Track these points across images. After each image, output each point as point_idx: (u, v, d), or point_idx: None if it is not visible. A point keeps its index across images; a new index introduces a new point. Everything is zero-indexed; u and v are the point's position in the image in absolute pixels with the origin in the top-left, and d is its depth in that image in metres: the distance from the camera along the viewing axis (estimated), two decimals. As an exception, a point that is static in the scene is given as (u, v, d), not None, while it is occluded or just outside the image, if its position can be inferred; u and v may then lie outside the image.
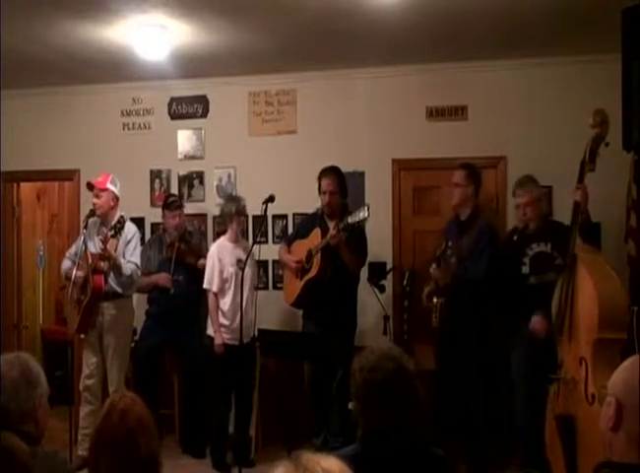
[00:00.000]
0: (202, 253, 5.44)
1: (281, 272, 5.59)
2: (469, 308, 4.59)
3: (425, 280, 4.85)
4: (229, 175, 6.00)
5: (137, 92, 6.15)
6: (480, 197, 5.00)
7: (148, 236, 5.99)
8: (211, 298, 5.05)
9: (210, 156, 6.04)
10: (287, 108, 5.88)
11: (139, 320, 5.51)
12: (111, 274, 4.94)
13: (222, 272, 5.04)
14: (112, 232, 4.77)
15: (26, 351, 2.96)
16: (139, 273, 5.13)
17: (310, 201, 5.30)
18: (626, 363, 1.74)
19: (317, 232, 5.07)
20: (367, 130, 5.70)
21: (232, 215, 5.09)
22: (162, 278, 5.43)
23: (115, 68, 5.56)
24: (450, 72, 5.50)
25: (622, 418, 1.66)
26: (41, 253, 6.95)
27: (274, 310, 5.63)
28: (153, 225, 6.06)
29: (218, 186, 6.03)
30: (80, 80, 5.94)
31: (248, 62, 5.48)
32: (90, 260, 4.87)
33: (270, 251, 5.66)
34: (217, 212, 5.74)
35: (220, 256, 5.06)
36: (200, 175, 6.06)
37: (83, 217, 5.26)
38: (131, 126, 6.21)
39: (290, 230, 5.71)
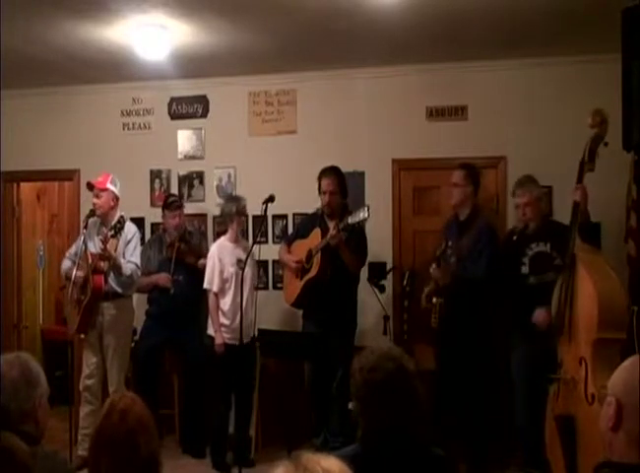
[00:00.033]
0: (202, 253, 5.44)
1: (281, 272, 5.59)
2: (468, 308, 4.59)
3: (425, 280, 4.85)
4: (229, 175, 6.00)
5: (137, 92, 6.15)
6: (479, 197, 5.00)
7: (148, 236, 5.99)
8: (211, 298, 5.05)
9: (210, 156, 6.04)
10: (287, 108, 5.88)
11: (139, 320, 5.51)
12: (111, 274, 4.94)
13: (222, 272, 5.04)
14: (112, 232, 4.77)
15: (26, 351, 2.96)
16: (139, 273, 5.13)
17: (310, 201, 5.30)
18: (626, 363, 1.74)
19: (317, 232, 5.07)
20: (367, 130, 5.70)
21: (233, 215, 5.09)
22: (162, 278, 5.43)
23: (115, 68, 5.56)
24: (450, 72, 5.50)
25: (622, 418, 1.66)
26: (41, 253, 6.95)
27: (274, 310, 5.63)
28: (153, 225, 6.06)
29: (218, 186, 6.03)
30: (80, 80, 5.94)
31: (248, 62, 5.48)
32: (90, 260, 4.87)
33: (270, 251, 5.66)
34: (217, 212, 5.74)
35: (220, 256, 5.06)
36: (200, 175, 6.06)
37: (83, 217, 5.25)
38: (131, 126, 6.21)
39: (290, 230, 5.71)
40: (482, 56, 5.31)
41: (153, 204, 6.10)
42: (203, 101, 6.06)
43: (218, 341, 4.98)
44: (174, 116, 6.12)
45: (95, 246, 4.93)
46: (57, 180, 7.04)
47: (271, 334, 5.18)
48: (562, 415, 3.72)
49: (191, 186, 6.09)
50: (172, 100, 6.12)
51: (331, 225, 5.00)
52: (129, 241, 5.06)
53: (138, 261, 5.09)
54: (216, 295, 5.04)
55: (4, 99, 6.11)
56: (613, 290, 3.65)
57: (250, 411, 5.25)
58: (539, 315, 4.32)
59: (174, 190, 6.06)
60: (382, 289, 5.18)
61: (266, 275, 5.85)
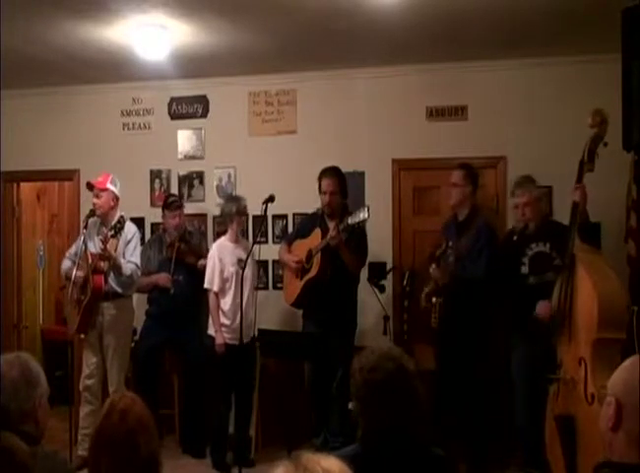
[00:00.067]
0: (202, 253, 5.44)
1: (281, 272, 5.59)
2: (467, 308, 4.59)
3: (425, 280, 4.85)
4: (229, 175, 6.00)
5: (137, 92, 6.15)
6: (479, 197, 5.00)
7: (148, 236, 5.99)
8: (211, 297, 5.05)
9: (210, 156, 6.04)
10: (287, 108, 5.88)
11: (139, 320, 5.51)
12: (111, 274, 4.94)
13: (222, 272, 5.04)
14: (112, 232, 4.77)
15: (26, 351, 2.96)
16: (139, 273, 5.13)
17: (310, 201, 5.30)
18: (626, 363, 1.74)
19: (317, 232, 5.07)
20: (367, 130, 5.70)
21: (233, 215, 5.09)
22: (162, 278, 5.43)
23: (115, 68, 5.56)
24: (450, 72, 5.50)
25: (622, 418, 1.66)
26: (41, 253, 6.95)
27: (274, 310, 5.63)
28: (153, 225, 6.06)
29: (218, 186, 6.03)
30: (80, 80, 5.94)
31: (248, 62, 5.48)
32: (90, 260, 4.87)
33: (270, 251, 5.66)
34: (217, 212, 5.74)
35: (220, 256, 5.06)
36: (200, 175, 6.06)
37: (83, 217, 5.26)
38: (131, 126, 6.21)
39: (290, 230, 5.71)
40: (482, 56, 5.31)
41: (153, 204, 6.10)
42: (203, 101, 6.06)
43: (218, 341, 4.98)
44: (174, 116, 6.12)
45: (95, 246, 4.93)
46: (57, 180, 7.04)
47: (271, 334, 5.18)
48: (562, 415, 3.71)
49: (191, 186, 6.09)
50: (172, 100, 6.12)
51: (331, 225, 5.00)
52: (129, 241, 5.06)
53: (138, 261, 5.09)
54: (216, 294, 5.04)
55: (4, 99, 6.11)
56: (613, 290, 3.65)
57: (250, 411, 5.25)
58: (541, 308, 4.28)
59: (174, 190, 6.06)
60: (382, 289, 5.18)
61: (266, 275, 5.85)
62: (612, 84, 3.97)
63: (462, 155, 5.24)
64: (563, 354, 3.82)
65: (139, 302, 5.54)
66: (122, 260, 4.96)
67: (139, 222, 5.75)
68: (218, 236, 5.53)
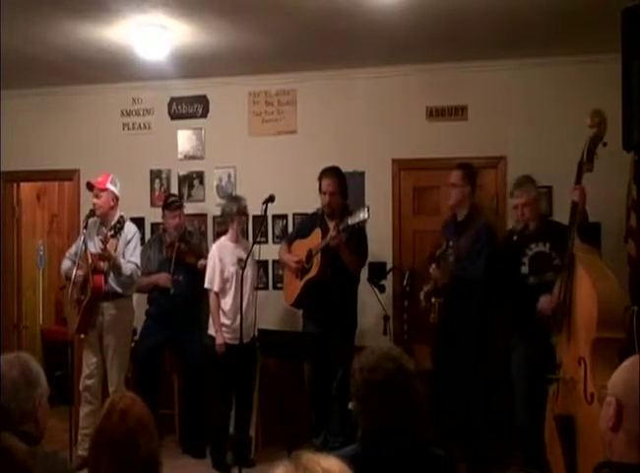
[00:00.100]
0: (202, 253, 5.45)
1: (281, 272, 5.59)
2: (467, 308, 4.59)
3: (425, 280, 4.84)
4: (229, 175, 6.00)
5: (137, 92, 6.15)
6: (479, 197, 4.99)
7: (148, 236, 5.99)
8: (212, 297, 5.05)
9: (210, 156, 6.04)
10: (287, 108, 5.88)
11: (139, 320, 5.51)
12: (111, 274, 4.94)
13: (222, 272, 5.04)
14: (112, 232, 4.77)
15: (26, 351, 2.96)
16: (139, 273, 5.13)
17: (310, 201, 5.30)
18: (626, 363, 1.74)
19: (317, 232, 5.07)
20: (367, 130, 5.70)
21: (234, 215, 5.10)
22: (162, 278, 5.43)
23: (115, 68, 5.56)
24: (450, 72, 5.50)
25: (622, 418, 1.66)
26: (41, 253, 6.95)
27: (274, 310, 5.63)
28: (153, 225, 6.06)
29: (218, 186, 6.03)
30: (80, 80, 5.94)
31: (248, 62, 5.48)
32: (90, 260, 4.87)
33: (270, 251, 5.66)
34: (217, 212, 5.75)
35: (220, 256, 5.06)
36: (200, 175, 6.06)
37: (83, 217, 5.26)
38: (131, 126, 6.21)
39: (290, 230, 5.71)
40: (482, 56, 5.31)
41: (153, 204, 6.10)
42: (203, 101, 6.06)
43: (219, 341, 4.98)
44: (174, 116, 6.12)
45: (95, 246, 4.93)
46: (57, 180, 7.04)
47: (271, 334, 5.19)
48: (562, 415, 3.71)
49: (191, 186, 6.09)
50: (172, 100, 6.12)
51: (331, 225, 5.00)
52: (129, 241, 5.06)
53: (138, 261, 5.10)
54: (217, 294, 5.05)
55: (4, 99, 6.11)
56: (612, 290, 3.65)
57: (250, 411, 5.25)
58: (544, 302, 4.24)
59: (174, 190, 6.06)
60: (382, 289, 5.18)
61: (266, 275, 5.85)
62: (612, 84, 3.98)
63: (462, 155, 5.24)
64: (563, 354, 3.82)
65: (139, 302, 5.54)
66: (122, 260, 4.96)
67: (139, 222, 5.75)
68: (218, 236, 5.53)
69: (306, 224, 5.30)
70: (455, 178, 4.86)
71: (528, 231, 4.60)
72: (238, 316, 4.88)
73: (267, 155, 5.88)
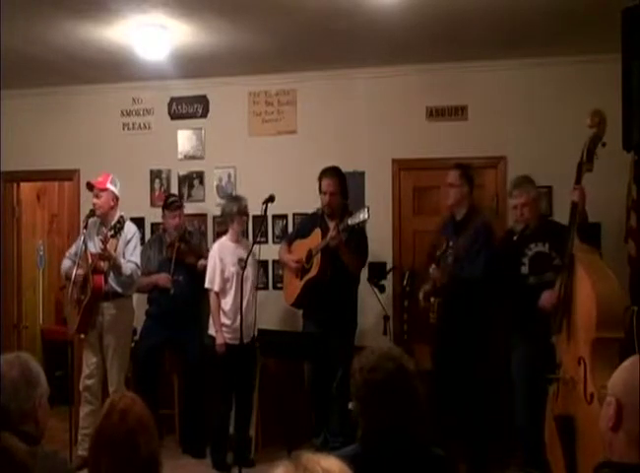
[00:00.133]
0: (202, 253, 5.45)
1: (281, 272, 5.59)
2: (466, 309, 4.58)
3: (425, 280, 4.84)
4: (229, 175, 6.00)
5: (137, 92, 6.15)
6: (479, 197, 4.99)
7: (148, 236, 5.99)
8: (212, 297, 5.06)
9: (210, 156, 6.04)
10: (287, 108, 5.88)
11: (139, 320, 5.51)
12: (111, 274, 4.94)
13: (223, 272, 5.04)
14: (112, 232, 4.77)
15: (26, 351, 2.96)
16: (139, 273, 5.13)
17: (310, 201, 5.30)
18: (626, 363, 1.74)
19: (317, 232, 5.07)
20: (367, 130, 5.70)
21: (234, 214, 5.10)
22: (162, 278, 5.43)
23: (115, 68, 5.56)
24: (450, 72, 5.50)
25: (622, 418, 1.66)
26: (41, 253, 6.95)
27: (274, 310, 5.63)
28: (153, 225, 6.06)
29: (218, 186, 6.03)
30: (80, 80, 5.94)
31: (248, 62, 5.48)
32: (90, 260, 4.87)
33: (270, 251, 5.66)
34: (217, 212, 5.75)
35: (221, 256, 5.07)
36: (200, 175, 6.06)
37: (83, 217, 5.26)
38: (131, 126, 6.21)
39: (290, 230, 5.71)
40: (482, 56, 5.31)
41: (153, 204, 6.10)
42: (203, 101, 6.06)
43: (219, 341, 4.98)
44: (174, 116, 6.12)
45: (95, 246, 4.93)
46: (57, 180, 7.04)
47: (271, 334, 5.19)
48: (562, 415, 3.71)
49: (191, 186, 6.09)
50: (172, 100, 6.12)
51: (331, 225, 5.00)
52: (129, 241, 5.06)
53: (138, 261, 5.10)
54: (217, 294, 5.05)
55: (4, 99, 6.11)
56: (612, 290, 3.65)
57: (250, 411, 5.25)
58: (545, 298, 4.21)
59: (174, 190, 6.06)
60: (382, 289, 5.18)
61: (266, 275, 5.85)
62: (612, 84, 3.98)
63: (462, 155, 5.24)
64: (563, 354, 3.82)
65: (139, 302, 5.55)
66: (122, 260, 4.96)
67: (139, 222, 5.75)
68: (218, 236, 5.53)
69: (306, 224, 5.30)
70: (452, 178, 4.85)
71: (527, 231, 4.60)
72: (238, 316, 4.87)
73: (267, 155, 5.88)
